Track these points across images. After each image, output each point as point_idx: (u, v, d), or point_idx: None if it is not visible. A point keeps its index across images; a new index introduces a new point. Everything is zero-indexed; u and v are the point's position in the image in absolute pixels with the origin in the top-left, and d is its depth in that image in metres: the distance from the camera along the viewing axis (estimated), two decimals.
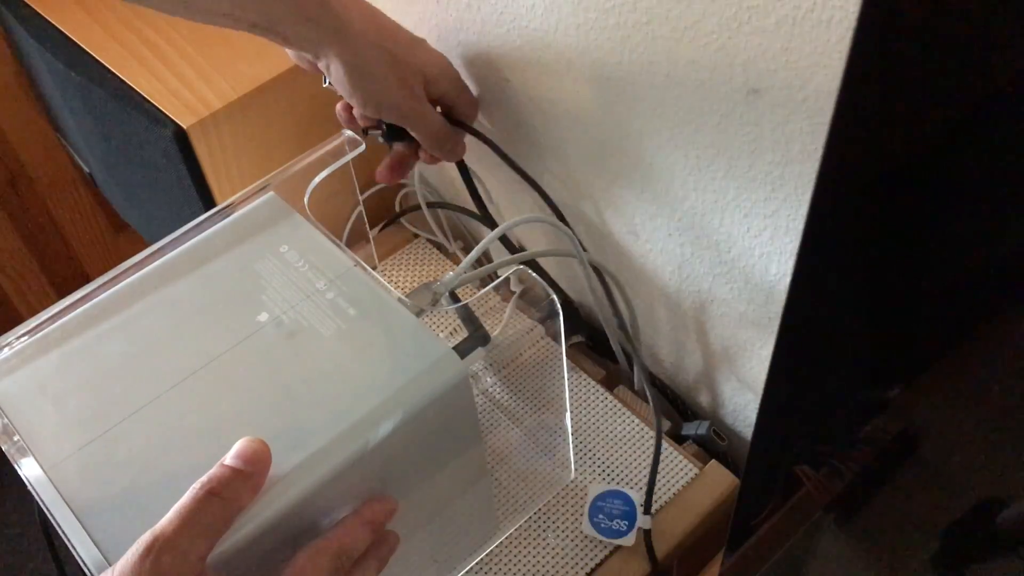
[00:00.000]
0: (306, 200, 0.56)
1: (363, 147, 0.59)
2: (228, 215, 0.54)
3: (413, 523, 0.55)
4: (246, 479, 0.40)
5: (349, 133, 0.61)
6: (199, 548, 0.38)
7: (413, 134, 0.64)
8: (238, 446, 0.42)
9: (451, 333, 0.70)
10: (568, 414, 0.67)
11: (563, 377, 0.62)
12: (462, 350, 0.49)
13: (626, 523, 0.66)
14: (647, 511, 0.67)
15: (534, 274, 0.54)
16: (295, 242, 0.53)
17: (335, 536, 0.44)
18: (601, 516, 0.67)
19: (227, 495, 0.39)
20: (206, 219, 0.53)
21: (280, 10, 0.53)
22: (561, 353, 0.60)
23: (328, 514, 0.46)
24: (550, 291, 0.53)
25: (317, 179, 0.56)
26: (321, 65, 0.59)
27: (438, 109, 0.66)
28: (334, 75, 0.58)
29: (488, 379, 0.75)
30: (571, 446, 0.70)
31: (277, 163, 0.84)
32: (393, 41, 0.60)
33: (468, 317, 0.55)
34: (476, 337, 0.54)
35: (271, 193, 0.55)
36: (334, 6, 0.55)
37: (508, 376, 0.76)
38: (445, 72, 0.65)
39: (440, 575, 0.62)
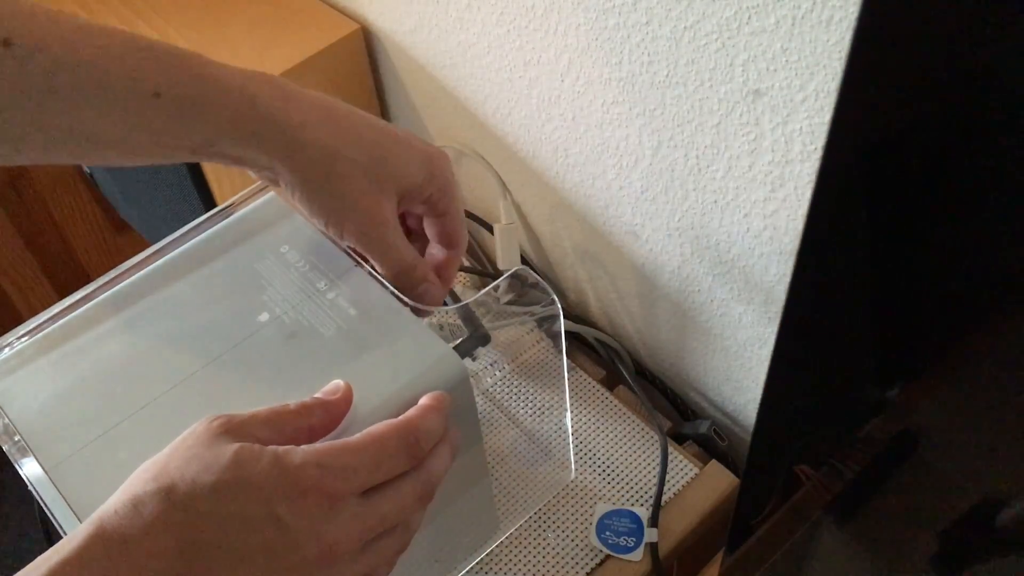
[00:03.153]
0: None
1: None
2: (229, 215, 0.54)
3: None
4: (324, 404, 0.43)
5: None
6: (259, 431, 0.39)
7: (376, 265, 0.51)
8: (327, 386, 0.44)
9: (451, 333, 0.70)
10: (568, 414, 0.67)
11: (563, 377, 0.62)
12: (462, 350, 0.49)
13: (633, 540, 0.67)
14: (653, 524, 0.67)
15: (535, 274, 0.54)
16: (295, 242, 0.52)
17: (410, 417, 0.42)
18: (608, 533, 0.67)
19: (301, 410, 0.42)
20: (207, 219, 0.53)
21: (215, 128, 0.44)
22: (561, 353, 0.60)
23: None
24: (550, 291, 0.53)
25: None
26: (281, 186, 0.49)
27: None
28: (291, 195, 0.49)
29: (488, 379, 0.75)
30: (571, 446, 0.70)
31: None
32: (361, 146, 0.48)
33: (468, 317, 0.55)
34: (476, 337, 0.53)
35: (271, 193, 0.55)
36: (280, 116, 0.45)
37: (508, 376, 0.76)
38: (433, 179, 0.51)
39: (441, 575, 0.62)
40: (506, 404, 0.74)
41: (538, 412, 0.74)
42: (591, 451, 0.72)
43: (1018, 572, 0.37)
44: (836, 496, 0.46)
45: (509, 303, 0.76)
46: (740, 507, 0.51)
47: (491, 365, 0.75)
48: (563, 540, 0.68)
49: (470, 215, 0.86)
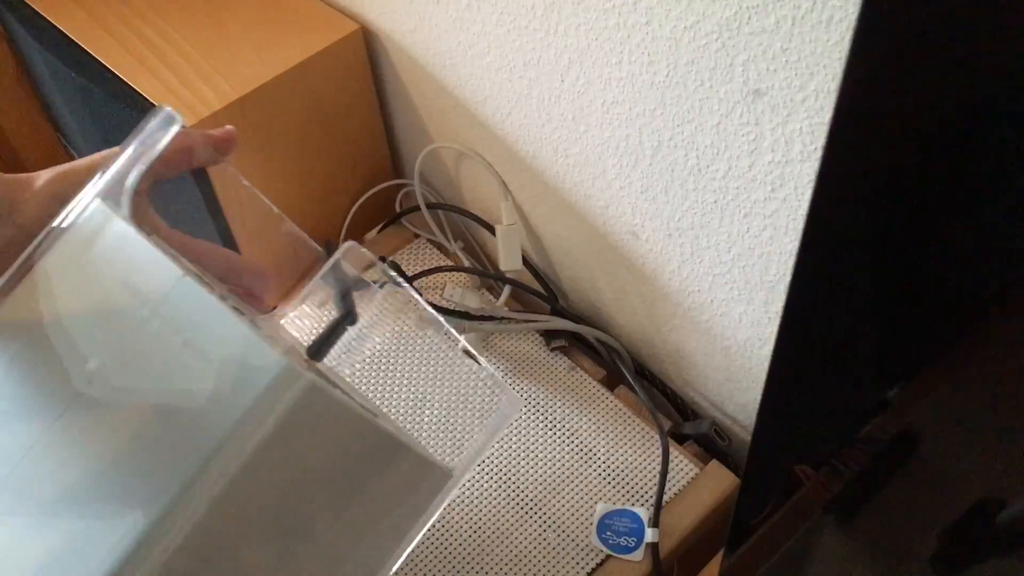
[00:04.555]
0: (124, 199, 0.48)
1: (179, 124, 0.48)
2: (59, 236, 0.47)
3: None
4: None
5: (168, 109, 0.49)
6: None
7: None
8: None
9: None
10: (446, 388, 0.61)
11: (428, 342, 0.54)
12: (317, 348, 0.44)
13: (634, 540, 0.67)
14: (654, 524, 0.67)
15: (364, 250, 0.47)
16: (116, 264, 0.45)
17: None
18: (609, 533, 0.67)
19: None
20: (38, 245, 0.46)
21: None
22: (424, 316, 0.52)
23: None
24: (321, 246, 0.46)
25: (135, 172, 0.48)
26: None
27: None
28: None
29: (352, 368, 0.70)
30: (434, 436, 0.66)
31: (277, 163, 0.84)
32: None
33: (343, 291, 0.47)
34: (340, 321, 0.47)
35: (96, 202, 0.47)
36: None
37: (379, 360, 0.70)
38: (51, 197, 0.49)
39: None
40: (388, 391, 0.71)
41: (414, 404, 0.71)
42: (591, 451, 0.72)
43: (1018, 572, 0.37)
44: (836, 496, 0.46)
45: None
46: (740, 507, 0.51)
47: (348, 352, 0.64)
48: (563, 540, 0.68)
49: (472, 216, 0.86)
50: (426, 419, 0.70)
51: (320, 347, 0.44)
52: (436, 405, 0.70)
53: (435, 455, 0.53)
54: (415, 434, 0.55)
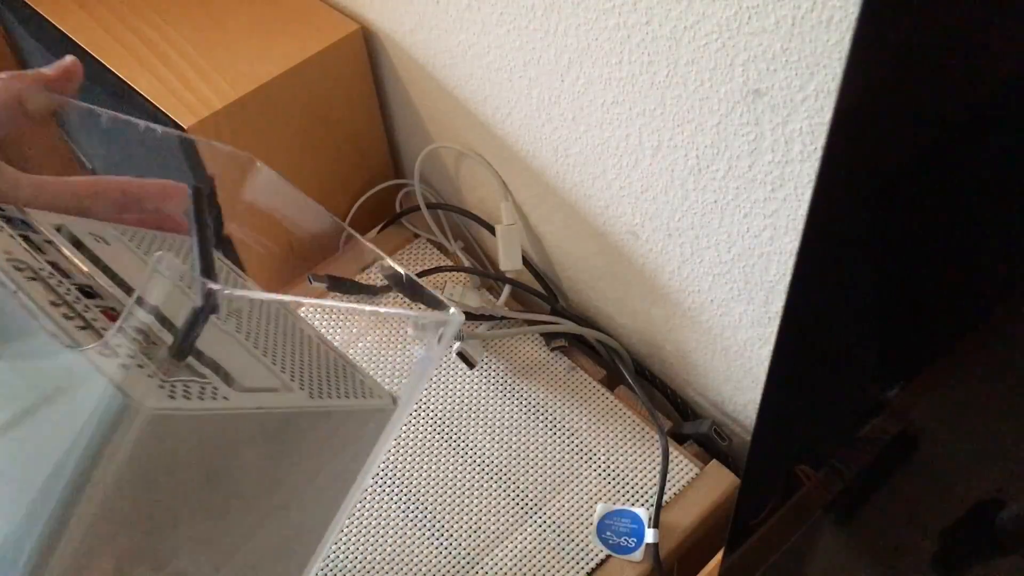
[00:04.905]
0: None
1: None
2: None
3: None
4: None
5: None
6: None
7: None
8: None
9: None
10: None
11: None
12: (180, 346, 0.39)
13: (634, 540, 0.67)
14: (654, 524, 0.67)
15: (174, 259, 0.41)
16: None
17: None
18: (609, 533, 0.67)
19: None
20: None
21: None
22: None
23: None
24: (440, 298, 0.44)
25: None
26: None
27: None
28: None
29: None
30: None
31: (277, 163, 0.84)
32: None
33: (207, 268, 0.39)
34: (203, 312, 0.40)
35: None
36: None
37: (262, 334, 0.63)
38: None
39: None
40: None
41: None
42: (591, 451, 0.72)
43: (1018, 572, 0.37)
44: (836, 496, 0.46)
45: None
46: (740, 507, 0.51)
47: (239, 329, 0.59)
48: (563, 540, 0.68)
49: (472, 216, 0.86)
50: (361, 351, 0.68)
51: (183, 344, 0.37)
52: (371, 338, 0.68)
53: (379, 386, 0.49)
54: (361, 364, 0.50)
